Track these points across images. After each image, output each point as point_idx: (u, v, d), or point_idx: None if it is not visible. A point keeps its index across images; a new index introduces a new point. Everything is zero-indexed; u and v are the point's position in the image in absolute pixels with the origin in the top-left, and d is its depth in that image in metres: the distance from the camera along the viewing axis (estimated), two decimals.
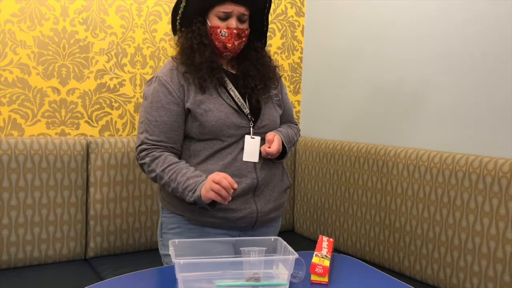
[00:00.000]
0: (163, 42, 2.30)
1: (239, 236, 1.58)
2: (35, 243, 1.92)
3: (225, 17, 1.52)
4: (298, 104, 2.72)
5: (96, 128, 2.19)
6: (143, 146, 1.53)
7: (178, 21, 1.58)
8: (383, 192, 2.03)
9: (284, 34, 2.65)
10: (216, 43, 1.54)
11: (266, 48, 1.69)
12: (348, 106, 2.40)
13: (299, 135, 1.80)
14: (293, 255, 1.23)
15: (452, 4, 1.90)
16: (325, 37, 2.55)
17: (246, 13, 1.54)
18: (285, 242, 1.32)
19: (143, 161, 1.53)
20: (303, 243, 2.38)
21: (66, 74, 2.10)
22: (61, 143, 1.97)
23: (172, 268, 1.21)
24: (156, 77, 1.56)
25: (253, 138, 1.54)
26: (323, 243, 1.48)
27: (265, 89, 1.61)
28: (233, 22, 1.51)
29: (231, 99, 1.54)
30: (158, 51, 2.29)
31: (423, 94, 2.01)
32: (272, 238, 1.38)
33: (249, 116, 1.55)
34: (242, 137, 1.54)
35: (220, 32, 1.52)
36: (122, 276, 1.36)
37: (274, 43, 2.62)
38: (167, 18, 2.29)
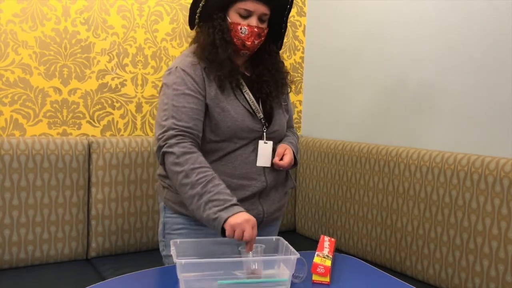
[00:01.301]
0: (164, 42, 2.30)
1: None
2: (36, 243, 1.92)
3: (247, 15, 1.49)
4: (300, 104, 2.72)
5: (98, 128, 2.19)
6: (171, 132, 1.40)
7: (197, 14, 1.54)
8: (385, 192, 2.02)
9: (286, 34, 2.64)
10: (235, 40, 1.50)
11: (280, 52, 1.67)
12: (349, 106, 2.40)
13: (297, 137, 1.80)
14: (295, 255, 1.23)
15: (453, 3, 1.89)
16: (327, 36, 2.55)
17: (267, 12, 1.51)
18: (287, 242, 1.32)
19: (170, 150, 1.39)
20: (305, 243, 2.38)
21: (67, 74, 2.11)
22: (62, 143, 1.97)
23: (173, 268, 1.21)
24: (177, 67, 1.49)
25: (266, 143, 1.54)
26: (325, 243, 1.48)
27: (278, 95, 1.60)
28: (253, 21, 1.49)
29: (246, 102, 1.52)
30: (160, 51, 2.29)
31: (425, 94, 2.01)
32: (274, 238, 1.38)
33: (263, 121, 1.54)
34: (253, 140, 1.53)
35: (241, 29, 1.49)
36: (124, 276, 1.36)
37: None
38: (169, 18, 2.29)
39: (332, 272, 1.35)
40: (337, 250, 1.86)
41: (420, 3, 2.03)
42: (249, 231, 1.28)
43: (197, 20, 1.55)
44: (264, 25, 1.53)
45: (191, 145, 1.42)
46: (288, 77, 1.68)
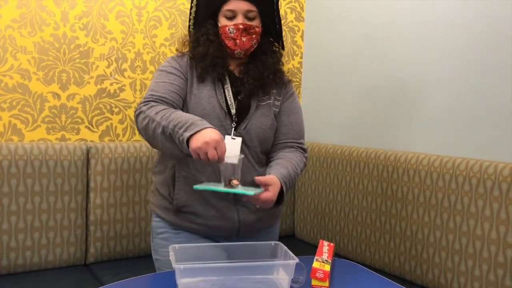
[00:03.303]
0: (163, 47, 2.30)
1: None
2: (35, 249, 1.91)
3: (232, 16, 1.54)
4: None
5: (96, 133, 2.19)
6: (146, 100, 1.46)
7: (191, 26, 1.63)
8: (384, 196, 2.02)
9: (284, 39, 2.64)
10: (227, 41, 1.55)
11: (279, 52, 1.66)
12: (348, 110, 2.40)
13: (306, 161, 1.64)
14: (294, 260, 1.22)
15: (452, 6, 1.90)
16: (325, 42, 2.56)
17: (253, 9, 1.54)
18: (286, 247, 1.32)
19: (140, 111, 1.43)
20: (304, 248, 2.37)
21: (66, 80, 2.11)
22: (61, 148, 1.97)
23: (172, 274, 1.21)
24: (167, 58, 1.62)
25: (234, 138, 1.51)
26: (324, 247, 1.48)
27: (260, 91, 1.57)
28: (239, 20, 1.53)
29: (223, 97, 1.55)
30: (158, 56, 2.30)
31: (424, 98, 2.01)
32: (273, 243, 1.38)
33: (234, 117, 1.54)
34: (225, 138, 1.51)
35: (229, 29, 1.53)
36: (122, 282, 1.35)
37: None
38: (167, 23, 2.30)
39: (331, 277, 1.35)
40: (336, 254, 1.86)
41: (419, 9, 2.03)
42: (212, 152, 1.26)
43: (191, 28, 1.63)
44: (254, 23, 1.55)
45: (161, 102, 1.45)
46: (284, 78, 1.65)
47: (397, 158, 1.98)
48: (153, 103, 1.44)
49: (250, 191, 1.37)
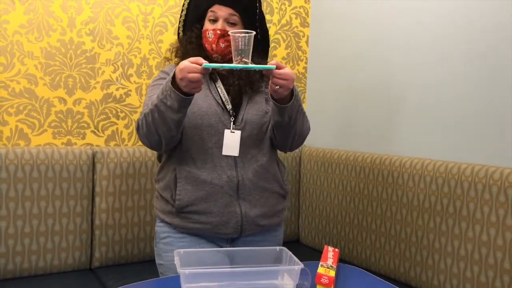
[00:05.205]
0: (169, 53, 2.31)
1: (229, 246, 1.58)
2: (40, 253, 1.92)
3: (214, 19, 1.57)
4: None
5: (102, 138, 2.20)
6: (139, 118, 1.52)
7: (180, 29, 1.67)
8: (388, 202, 2.02)
9: (289, 44, 2.66)
10: (206, 45, 1.58)
11: (268, 54, 1.69)
12: (353, 116, 2.40)
13: (308, 126, 1.65)
14: (299, 265, 1.22)
15: (454, 8, 1.90)
16: (330, 47, 2.56)
17: (235, 14, 1.56)
18: (291, 252, 1.32)
19: (137, 126, 1.50)
20: (309, 254, 2.37)
21: (72, 85, 2.12)
22: (67, 152, 1.98)
23: (176, 279, 1.21)
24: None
25: (233, 132, 1.54)
26: (329, 253, 1.47)
27: (250, 84, 1.60)
28: (219, 25, 1.55)
29: (217, 94, 1.58)
30: (164, 61, 2.30)
31: (429, 103, 2.01)
32: (277, 248, 1.38)
33: (231, 112, 1.56)
34: (224, 133, 1.54)
35: (208, 34, 1.56)
36: (127, 286, 1.36)
37: (279, 53, 2.63)
38: (173, 29, 2.31)
39: (336, 282, 1.34)
40: (341, 260, 1.85)
41: (423, 14, 2.03)
42: (191, 75, 1.31)
43: (180, 30, 1.68)
44: (234, 29, 1.55)
45: None
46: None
47: (402, 163, 1.97)
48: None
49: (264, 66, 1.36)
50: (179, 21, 1.68)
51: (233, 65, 1.34)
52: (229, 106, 1.57)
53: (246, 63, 1.33)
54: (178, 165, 1.55)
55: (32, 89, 2.04)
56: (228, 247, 1.58)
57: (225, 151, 1.53)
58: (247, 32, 1.32)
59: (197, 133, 1.53)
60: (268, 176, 1.60)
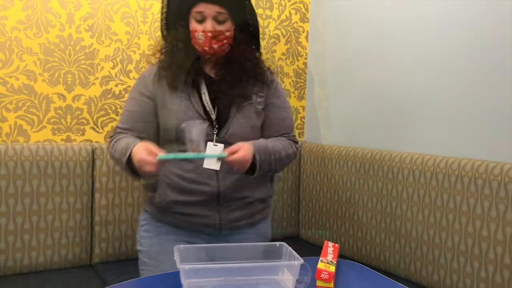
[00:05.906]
0: (150, 54, 2.30)
1: (208, 240, 1.57)
2: (40, 249, 1.92)
3: (201, 19, 1.50)
4: (303, 109, 2.72)
5: (102, 134, 2.20)
6: (113, 134, 1.60)
7: (163, 27, 1.61)
8: (389, 197, 2.02)
9: (289, 40, 2.65)
10: (197, 47, 1.53)
11: (260, 51, 1.64)
12: (352, 111, 2.40)
13: (295, 149, 1.64)
14: (299, 261, 1.22)
15: (458, 7, 1.89)
16: (330, 42, 2.55)
17: (223, 11, 1.49)
18: (290, 248, 1.32)
19: (109, 143, 1.57)
20: (309, 249, 2.37)
21: (71, 81, 2.12)
22: (66, 149, 1.98)
23: (176, 274, 1.21)
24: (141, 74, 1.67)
25: (216, 145, 1.49)
26: (329, 248, 1.47)
27: (241, 96, 1.54)
28: (208, 24, 1.49)
29: (200, 104, 1.52)
30: (145, 60, 2.30)
31: (430, 99, 2.01)
32: (277, 243, 1.37)
33: (214, 123, 1.51)
34: (206, 144, 1.49)
35: (198, 36, 1.51)
36: (127, 282, 1.36)
37: (278, 49, 2.62)
38: None
39: (336, 278, 1.34)
40: (341, 256, 1.85)
41: (425, 8, 2.03)
42: (147, 168, 1.35)
43: (164, 32, 1.62)
44: (224, 27, 1.50)
45: (124, 136, 1.54)
46: (266, 78, 1.60)
47: (402, 159, 1.97)
48: (118, 137, 1.55)
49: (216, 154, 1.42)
50: (161, 19, 1.61)
51: (187, 155, 1.37)
52: (213, 117, 1.52)
53: (200, 151, 1.37)
54: (160, 170, 1.53)
55: (31, 85, 2.04)
56: (207, 239, 1.59)
57: (206, 164, 1.47)
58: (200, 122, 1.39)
59: (179, 146, 1.49)
60: (251, 184, 1.57)
